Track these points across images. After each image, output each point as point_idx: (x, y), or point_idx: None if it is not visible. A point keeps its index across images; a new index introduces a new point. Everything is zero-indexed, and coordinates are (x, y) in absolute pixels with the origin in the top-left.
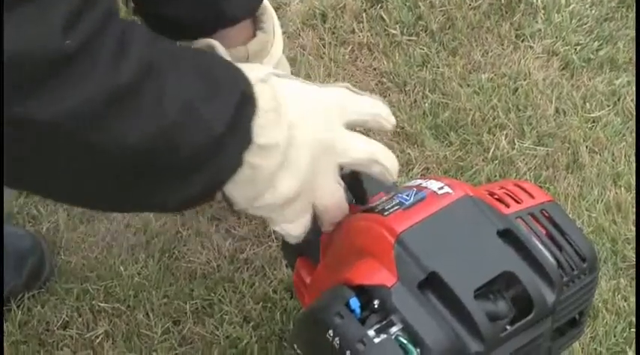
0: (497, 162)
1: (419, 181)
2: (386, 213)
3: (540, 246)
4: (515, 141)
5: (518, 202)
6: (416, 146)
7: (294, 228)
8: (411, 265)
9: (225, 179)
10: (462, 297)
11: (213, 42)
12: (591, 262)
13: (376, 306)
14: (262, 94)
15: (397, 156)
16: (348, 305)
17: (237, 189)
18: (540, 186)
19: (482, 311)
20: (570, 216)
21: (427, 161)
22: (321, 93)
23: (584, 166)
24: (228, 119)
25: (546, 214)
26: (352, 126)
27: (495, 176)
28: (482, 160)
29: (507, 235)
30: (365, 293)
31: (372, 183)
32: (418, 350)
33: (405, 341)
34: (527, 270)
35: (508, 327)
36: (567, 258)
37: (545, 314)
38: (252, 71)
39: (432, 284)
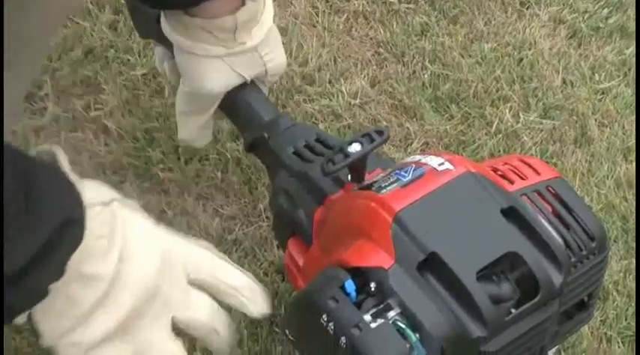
0: (500, 136)
1: (418, 157)
2: (383, 191)
3: (547, 225)
4: (520, 114)
5: (523, 178)
6: (415, 120)
7: None
8: (410, 245)
9: (23, 308)
10: (464, 279)
11: (55, 149)
12: (601, 241)
13: (373, 289)
14: (96, 217)
15: (395, 131)
16: (343, 288)
17: (47, 320)
18: (546, 162)
19: (485, 294)
20: (578, 192)
21: (427, 135)
22: (172, 240)
23: (593, 140)
24: (35, 249)
25: (553, 191)
26: (200, 287)
27: (499, 151)
28: (485, 134)
29: (511, 213)
30: (361, 275)
31: (369, 159)
32: (417, 335)
33: (403, 326)
34: (533, 250)
35: (512, 311)
36: (575, 237)
37: (552, 297)
38: (93, 192)
39: (432, 265)
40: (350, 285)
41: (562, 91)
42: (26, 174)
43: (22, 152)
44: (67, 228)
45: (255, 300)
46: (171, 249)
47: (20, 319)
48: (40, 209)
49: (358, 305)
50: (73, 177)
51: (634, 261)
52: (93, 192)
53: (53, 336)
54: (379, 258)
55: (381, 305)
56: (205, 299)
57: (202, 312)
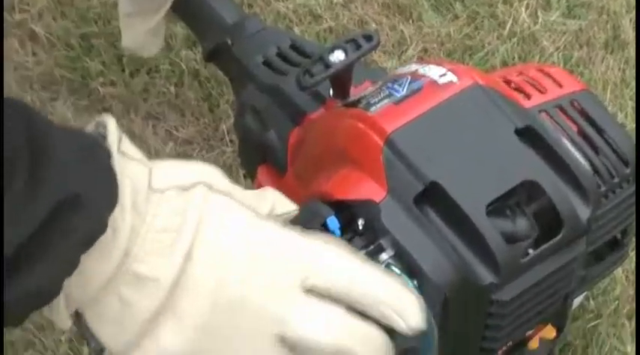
0: (515, 40)
1: (414, 67)
2: (372, 108)
3: (571, 147)
4: (539, 12)
5: (542, 92)
6: (411, 21)
7: None
8: (406, 174)
9: (23, 307)
10: (472, 214)
11: (105, 120)
12: (636, 167)
13: (361, 227)
14: (161, 205)
15: (386, 34)
16: (324, 226)
17: (104, 326)
18: (571, 71)
19: (497, 232)
20: (609, 108)
21: (425, 40)
22: (280, 238)
23: (627, 44)
24: (28, 232)
25: (578, 106)
26: (329, 297)
27: (513, 58)
28: (497, 38)
29: (528, 134)
30: (346, 210)
31: (355, 70)
32: (415, 281)
33: (397, 271)
34: (554, 178)
35: (530, 251)
36: (605, 162)
37: (578, 234)
38: (171, 173)
39: (433, 197)
40: (333, 223)
41: None
42: (36, 140)
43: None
44: (67, 211)
45: (405, 311)
46: (275, 249)
47: (63, 323)
48: (42, 183)
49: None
50: (130, 153)
51: None
52: (170, 174)
53: (119, 348)
54: (368, 190)
55: (371, 247)
56: (330, 312)
57: (322, 330)
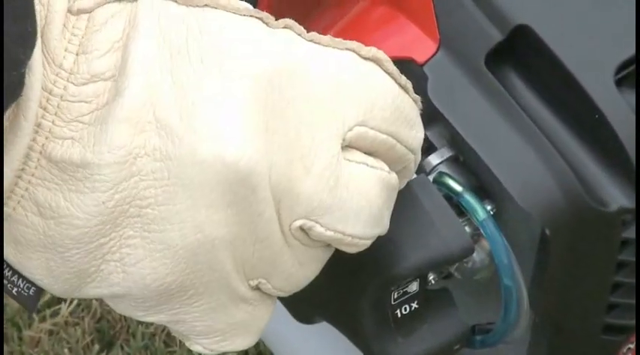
0: None
1: None
2: None
3: None
4: None
5: None
6: None
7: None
8: (471, 12)
9: None
10: (589, 85)
11: None
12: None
13: None
14: (89, 39)
15: None
16: None
17: None
18: None
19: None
20: None
21: None
22: (305, 51)
23: None
24: None
25: None
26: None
27: None
28: None
29: None
30: None
31: None
32: (490, 207)
33: (457, 188)
34: None
35: None
36: None
37: None
38: None
39: (520, 55)
40: None
41: None
42: None
43: None
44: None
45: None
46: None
47: None
48: None
49: None
50: None
51: None
52: None
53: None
54: (405, 40)
55: None
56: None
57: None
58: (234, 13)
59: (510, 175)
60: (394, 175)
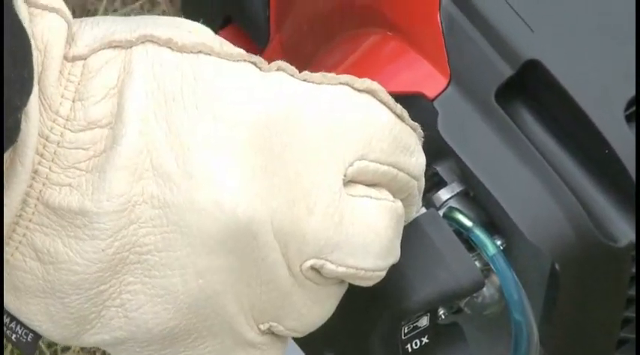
0: None
1: None
2: None
3: None
4: None
5: None
6: None
7: None
8: (482, 49)
9: None
10: (598, 120)
11: None
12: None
13: None
14: (85, 86)
15: None
16: None
17: None
18: None
19: None
20: None
21: None
22: (301, 96)
23: None
24: None
25: None
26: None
27: None
28: None
29: None
30: None
31: None
32: (500, 242)
33: (467, 223)
34: None
35: None
36: None
37: None
38: (100, 29)
39: (530, 90)
40: None
41: None
42: None
43: None
44: None
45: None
46: (297, 112)
47: None
48: None
49: None
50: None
51: None
52: (100, 28)
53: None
54: (416, 76)
55: None
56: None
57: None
58: (227, 59)
59: (520, 210)
60: (399, 204)
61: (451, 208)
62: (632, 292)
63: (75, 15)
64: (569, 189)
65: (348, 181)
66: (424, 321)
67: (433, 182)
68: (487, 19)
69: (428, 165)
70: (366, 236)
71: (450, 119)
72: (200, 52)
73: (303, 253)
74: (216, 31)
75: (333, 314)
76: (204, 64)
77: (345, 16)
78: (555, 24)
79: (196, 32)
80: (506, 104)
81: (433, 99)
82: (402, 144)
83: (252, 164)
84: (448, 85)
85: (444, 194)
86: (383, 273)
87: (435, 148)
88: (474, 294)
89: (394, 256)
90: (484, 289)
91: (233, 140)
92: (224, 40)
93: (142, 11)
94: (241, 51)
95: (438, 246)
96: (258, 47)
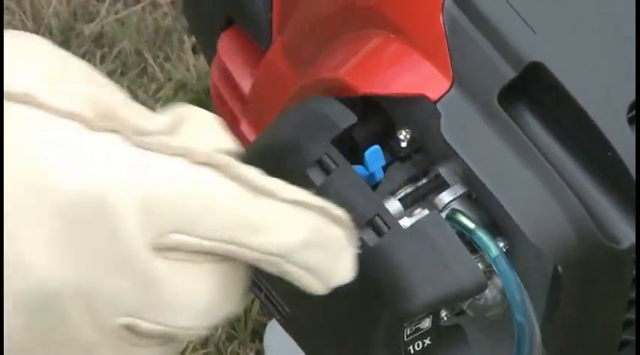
0: None
1: None
2: None
3: None
4: None
5: None
6: None
7: None
8: (485, 51)
9: None
10: (602, 123)
11: None
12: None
13: (404, 145)
14: None
15: None
16: (342, 140)
17: None
18: None
19: None
20: None
21: None
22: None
23: None
24: None
25: None
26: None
27: None
28: None
29: None
30: (379, 115)
31: None
32: (503, 244)
33: (469, 225)
34: None
35: None
36: None
37: None
38: None
39: (533, 92)
40: (374, 154)
41: None
42: None
43: None
44: None
45: (327, 268)
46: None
47: None
48: None
49: (374, 177)
50: None
51: None
52: None
53: None
54: (419, 78)
55: (423, 180)
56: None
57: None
58: (51, 113)
59: (522, 212)
60: (233, 265)
61: (454, 210)
62: (634, 294)
63: (76, 17)
64: (572, 191)
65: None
66: (426, 323)
67: (436, 184)
68: (490, 21)
69: (429, 164)
70: (184, 297)
71: (452, 121)
72: (28, 102)
73: (113, 312)
74: (218, 33)
75: (336, 316)
76: (32, 115)
77: (347, 18)
78: (558, 26)
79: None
80: (509, 106)
81: (436, 102)
82: (245, 223)
83: (59, 232)
84: (451, 87)
85: (446, 196)
86: (204, 332)
87: (438, 150)
88: (477, 296)
89: (219, 315)
90: (486, 291)
91: (40, 225)
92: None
93: (143, 13)
94: (72, 108)
95: (441, 248)
96: (261, 49)
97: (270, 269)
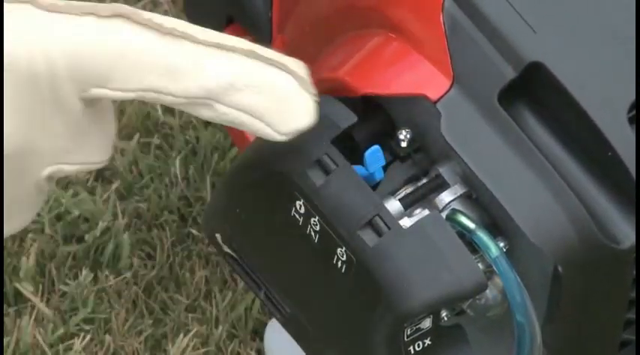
0: None
1: None
2: None
3: None
4: None
5: None
6: None
7: None
8: (485, 48)
9: None
10: (602, 123)
11: None
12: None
13: (405, 145)
14: None
15: None
16: (342, 140)
17: None
18: None
19: None
20: None
21: None
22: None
23: None
24: None
25: None
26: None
27: None
28: None
29: None
30: (378, 114)
31: None
32: (503, 244)
33: (469, 225)
34: None
35: None
36: None
37: None
38: None
39: (533, 92)
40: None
41: None
42: None
43: None
44: None
45: (282, 119)
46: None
47: None
48: None
49: (374, 177)
50: None
51: None
52: None
53: None
54: (419, 78)
55: (423, 180)
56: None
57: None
58: None
59: (523, 212)
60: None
61: (454, 210)
62: (635, 294)
63: None
64: (572, 191)
65: None
66: (427, 323)
67: (436, 184)
68: (490, 21)
69: (429, 164)
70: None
71: (452, 121)
72: None
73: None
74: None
75: (337, 315)
76: None
77: (347, 17)
78: (558, 26)
79: None
80: (509, 106)
81: (436, 101)
82: (160, 68)
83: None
84: (451, 86)
85: (446, 196)
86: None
87: (438, 150)
88: (477, 296)
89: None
90: (487, 291)
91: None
92: None
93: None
94: None
95: (441, 248)
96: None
97: (206, 114)
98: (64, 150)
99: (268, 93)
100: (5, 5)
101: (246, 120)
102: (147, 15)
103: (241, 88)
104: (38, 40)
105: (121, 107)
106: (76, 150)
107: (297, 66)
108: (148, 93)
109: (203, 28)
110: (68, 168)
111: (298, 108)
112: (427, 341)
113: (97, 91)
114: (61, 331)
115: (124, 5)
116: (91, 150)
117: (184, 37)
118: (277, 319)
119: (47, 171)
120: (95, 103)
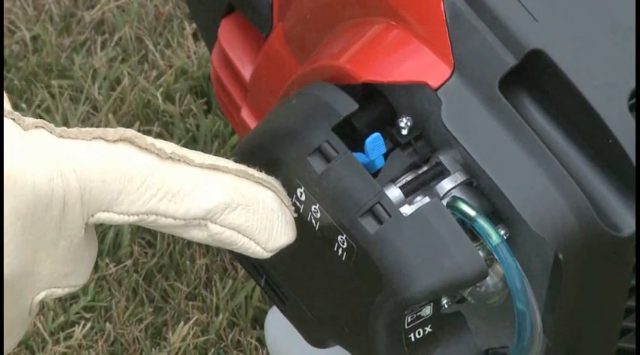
0: None
1: None
2: None
3: None
4: None
5: None
6: None
7: None
8: (485, 36)
9: None
10: (602, 110)
11: None
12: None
13: (405, 132)
14: None
15: None
16: (343, 128)
17: None
18: None
19: None
20: None
21: None
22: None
23: None
24: None
25: None
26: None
27: None
28: None
29: None
30: (378, 101)
31: None
32: (504, 231)
33: (470, 212)
34: None
35: None
36: None
37: None
38: None
39: (534, 80)
40: (375, 142)
41: None
42: None
43: None
44: None
45: (269, 240)
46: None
47: None
48: None
49: (374, 164)
50: None
51: None
52: None
53: None
54: (419, 66)
55: (424, 168)
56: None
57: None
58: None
59: (523, 200)
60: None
61: (455, 198)
62: (635, 281)
63: (77, 3)
64: (573, 178)
65: None
66: (427, 310)
67: (436, 172)
68: (491, 9)
69: (430, 152)
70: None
71: (453, 108)
72: None
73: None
74: (219, 20)
75: (338, 302)
76: None
77: (347, 5)
78: (559, 14)
79: None
80: (510, 93)
81: (437, 89)
82: (162, 191)
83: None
84: (452, 74)
85: (447, 183)
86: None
87: (439, 138)
88: (478, 283)
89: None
90: (487, 278)
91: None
92: None
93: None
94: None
95: (442, 236)
96: (261, 35)
97: (199, 235)
98: (62, 274)
99: (259, 212)
100: (19, 130)
101: (237, 239)
102: (149, 140)
103: (235, 207)
104: (55, 162)
105: (122, 95)
106: (71, 274)
107: (277, 182)
108: (150, 216)
109: (197, 152)
110: (59, 292)
111: (284, 226)
112: (428, 329)
113: (103, 216)
114: (61, 319)
115: (128, 129)
116: (82, 274)
117: (183, 160)
118: (278, 307)
119: (42, 295)
120: (89, 228)
